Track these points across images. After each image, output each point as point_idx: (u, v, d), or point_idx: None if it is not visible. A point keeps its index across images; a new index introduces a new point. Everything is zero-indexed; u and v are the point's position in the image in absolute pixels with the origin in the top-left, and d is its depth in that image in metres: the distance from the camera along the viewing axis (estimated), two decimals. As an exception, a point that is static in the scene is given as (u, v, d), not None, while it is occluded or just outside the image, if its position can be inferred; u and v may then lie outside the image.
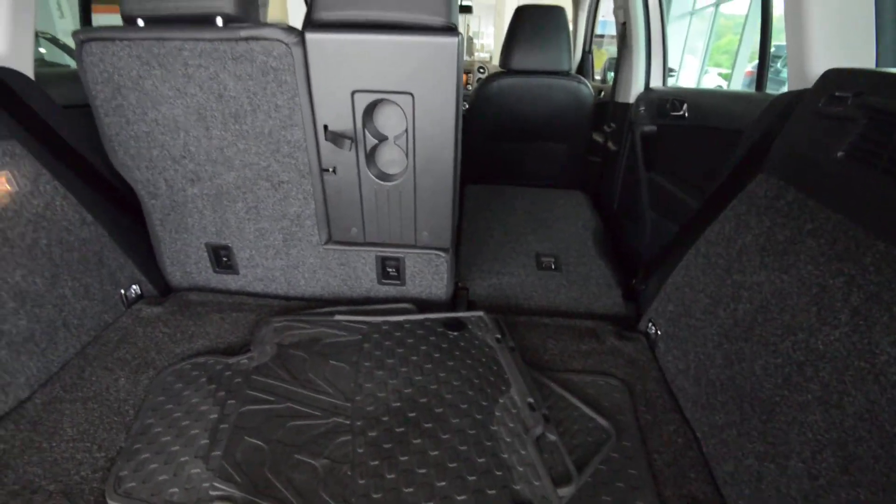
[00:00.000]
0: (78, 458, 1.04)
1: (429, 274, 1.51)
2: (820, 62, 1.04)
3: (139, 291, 1.55)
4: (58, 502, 0.95)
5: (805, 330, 0.85)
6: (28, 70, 1.38)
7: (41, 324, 1.23)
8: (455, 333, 1.35)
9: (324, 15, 1.19)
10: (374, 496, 0.90)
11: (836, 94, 0.92)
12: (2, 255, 1.14)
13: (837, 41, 1.04)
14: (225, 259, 1.58)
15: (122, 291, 1.49)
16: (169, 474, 0.95)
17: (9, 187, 1.18)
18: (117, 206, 1.51)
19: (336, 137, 1.28)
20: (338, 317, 1.40)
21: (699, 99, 1.70)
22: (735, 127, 1.42)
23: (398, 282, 1.54)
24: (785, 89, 1.16)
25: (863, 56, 1.05)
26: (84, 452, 1.05)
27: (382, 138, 1.33)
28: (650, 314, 1.41)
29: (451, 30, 1.18)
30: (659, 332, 1.35)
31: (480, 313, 1.44)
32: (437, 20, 1.17)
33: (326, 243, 1.50)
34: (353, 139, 1.29)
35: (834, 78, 0.95)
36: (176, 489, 0.92)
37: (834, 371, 0.77)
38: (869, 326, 0.73)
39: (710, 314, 1.12)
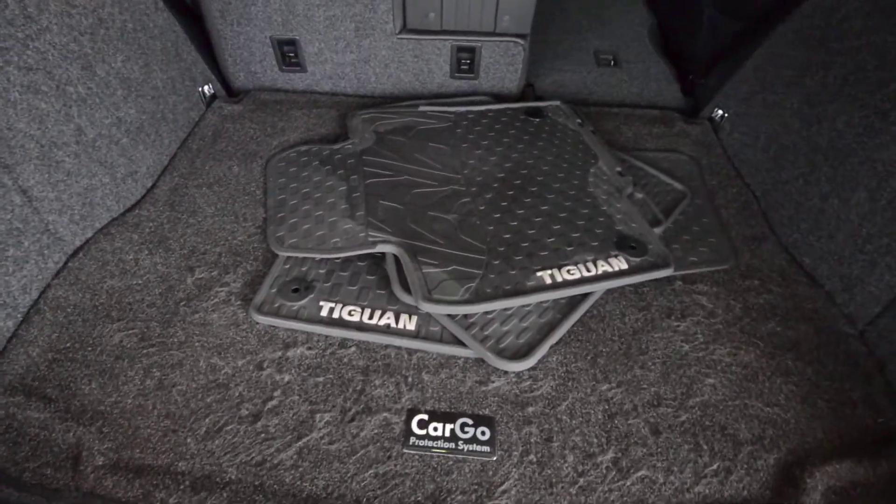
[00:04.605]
0: (229, 227, 1.19)
1: (503, 65, 1.52)
2: None
3: (212, 90, 1.55)
4: (230, 259, 1.13)
5: None
6: None
7: (146, 114, 1.26)
8: (537, 120, 1.43)
9: None
10: (505, 236, 1.09)
11: None
12: (101, 36, 1.12)
13: None
14: (291, 55, 1.55)
15: (200, 89, 1.50)
16: (325, 230, 1.12)
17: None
18: None
19: None
20: (422, 108, 1.46)
21: None
22: None
23: (471, 75, 1.55)
24: None
25: None
26: (232, 223, 1.20)
27: None
28: (717, 101, 1.50)
29: None
30: (727, 115, 1.45)
31: (557, 102, 1.50)
32: None
33: (401, 32, 1.47)
34: None
35: None
36: (337, 239, 1.09)
37: None
38: None
39: (793, 85, 1.21)
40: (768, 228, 1.20)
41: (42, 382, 0.88)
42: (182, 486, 0.75)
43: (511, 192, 1.20)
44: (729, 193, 1.30)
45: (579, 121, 1.43)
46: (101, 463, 0.77)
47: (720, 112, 1.49)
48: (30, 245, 0.97)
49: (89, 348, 0.93)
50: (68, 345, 0.94)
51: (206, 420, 0.83)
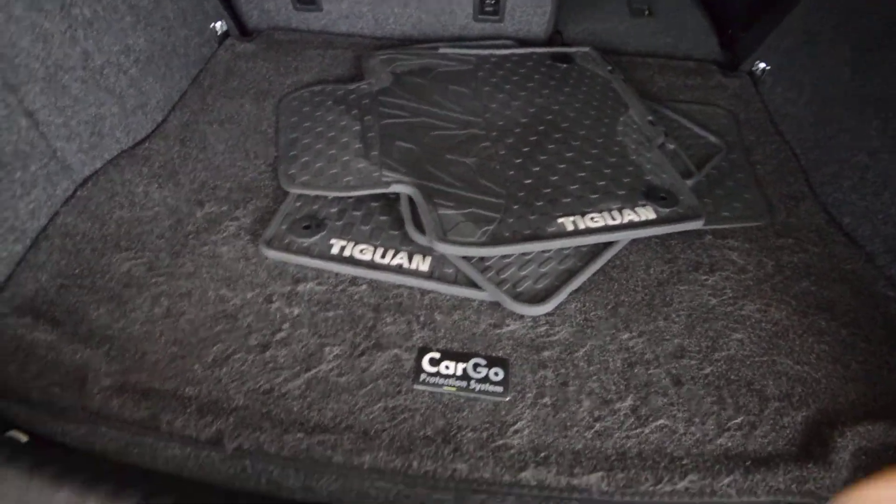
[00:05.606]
0: (239, 164, 1.16)
1: (531, 7, 1.43)
2: None
3: (225, 28, 1.49)
4: (240, 195, 1.09)
5: None
6: None
7: (156, 45, 1.21)
8: (564, 66, 1.35)
9: None
10: (525, 182, 1.03)
11: None
12: None
13: None
14: None
15: (212, 25, 1.44)
16: (338, 169, 1.08)
17: None
18: None
19: None
20: (442, 50, 1.38)
21: None
22: None
23: (496, 17, 1.46)
24: None
25: None
26: (243, 160, 1.17)
27: None
28: (760, 53, 1.40)
29: None
30: (769, 67, 1.35)
31: (587, 49, 1.42)
32: None
33: (423, -33, 1.38)
34: None
35: None
36: (350, 178, 1.05)
37: None
38: None
39: (842, 32, 1.11)
40: (808, 187, 1.13)
41: (50, 306, 0.87)
42: (189, 410, 0.74)
43: (534, 138, 1.14)
44: (767, 150, 1.22)
45: (609, 68, 1.35)
46: (107, 384, 0.76)
47: (761, 65, 1.39)
48: (37, 170, 0.94)
49: (98, 275, 0.92)
50: (76, 271, 0.92)
51: (214, 348, 0.82)
